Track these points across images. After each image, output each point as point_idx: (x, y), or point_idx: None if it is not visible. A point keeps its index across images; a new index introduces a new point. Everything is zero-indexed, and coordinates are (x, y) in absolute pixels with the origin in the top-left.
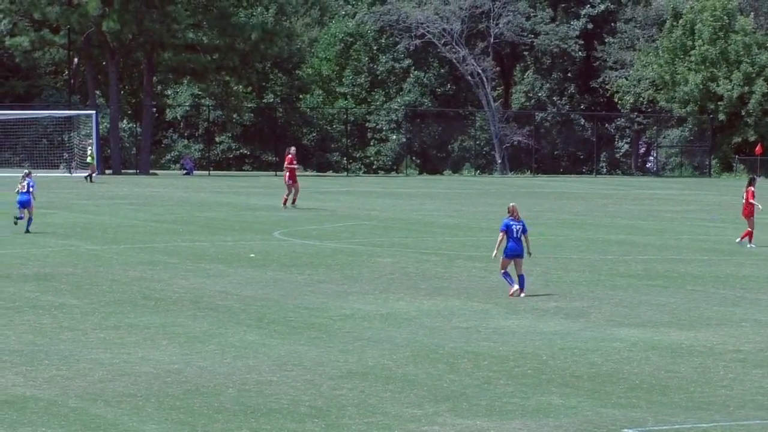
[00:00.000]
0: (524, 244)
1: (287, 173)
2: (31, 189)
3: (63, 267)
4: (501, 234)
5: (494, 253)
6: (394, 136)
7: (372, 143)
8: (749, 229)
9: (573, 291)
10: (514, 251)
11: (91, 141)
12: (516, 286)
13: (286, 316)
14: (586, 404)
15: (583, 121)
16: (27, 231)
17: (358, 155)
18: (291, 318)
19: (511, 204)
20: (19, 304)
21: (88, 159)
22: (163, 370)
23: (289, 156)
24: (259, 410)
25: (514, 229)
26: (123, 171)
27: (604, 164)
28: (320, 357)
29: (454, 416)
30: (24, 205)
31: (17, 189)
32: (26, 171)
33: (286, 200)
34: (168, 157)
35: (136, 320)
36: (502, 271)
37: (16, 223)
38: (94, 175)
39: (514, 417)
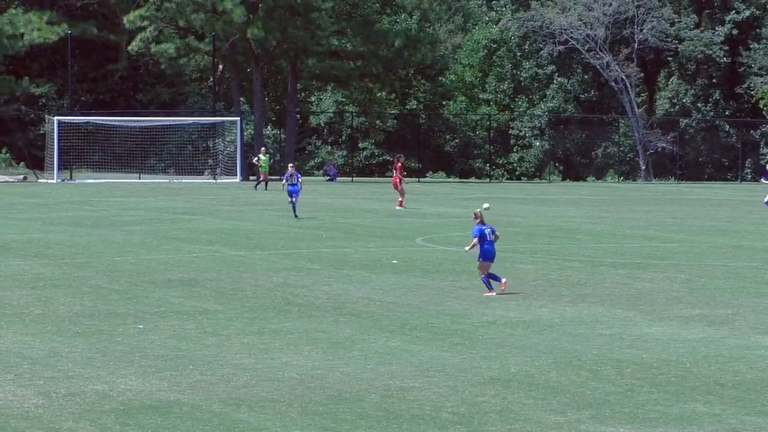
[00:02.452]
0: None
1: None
2: (298, 180)
3: (207, 273)
4: (475, 240)
5: (467, 249)
6: (538, 143)
7: (515, 150)
8: None
9: (717, 298)
10: (491, 254)
11: (263, 149)
12: (494, 293)
13: (428, 322)
14: (731, 412)
15: (728, 127)
16: (296, 216)
17: (500, 161)
18: (434, 324)
19: (477, 210)
20: (163, 309)
21: (261, 168)
22: (306, 376)
23: (399, 164)
24: (402, 416)
25: (487, 233)
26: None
27: (749, 171)
28: (463, 363)
29: (597, 423)
30: (292, 194)
31: (283, 182)
32: (291, 164)
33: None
34: (311, 163)
35: (279, 326)
36: (483, 275)
37: (290, 203)
38: (264, 182)
39: (658, 425)
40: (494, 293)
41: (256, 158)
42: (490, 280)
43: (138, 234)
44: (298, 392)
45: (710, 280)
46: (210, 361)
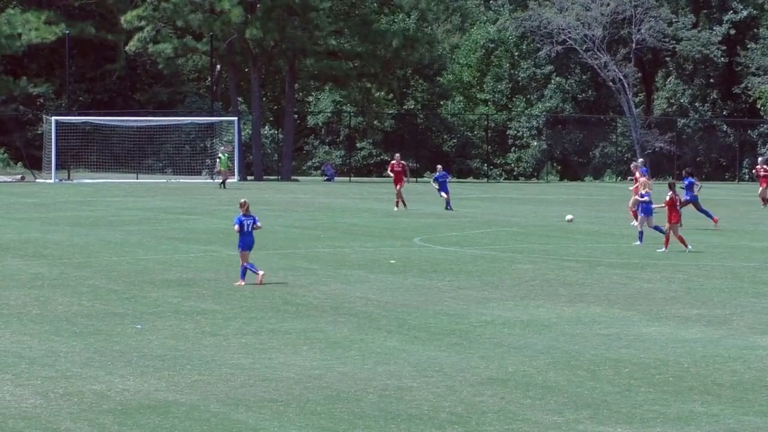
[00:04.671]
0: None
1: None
2: (445, 179)
3: (205, 272)
4: (236, 227)
5: (238, 231)
6: (535, 143)
7: (512, 150)
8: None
9: (715, 298)
10: (248, 244)
11: (222, 148)
12: (261, 272)
13: (426, 322)
14: (728, 412)
15: (726, 127)
16: (448, 209)
17: (498, 161)
18: (431, 324)
19: (242, 199)
20: (161, 309)
21: (220, 165)
22: (304, 376)
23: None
24: (400, 416)
25: (245, 224)
26: (265, 177)
27: (746, 171)
28: (460, 363)
29: (595, 423)
30: (441, 189)
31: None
32: (439, 166)
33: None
34: (309, 163)
35: (277, 326)
36: (245, 264)
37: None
38: (227, 181)
39: (655, 425)
40: (243, 283)
41: (218, 158)
42: (248, 270)
43: (136, 234)
44: (295, 392)
45: (708, 280)
46: (208, 361)
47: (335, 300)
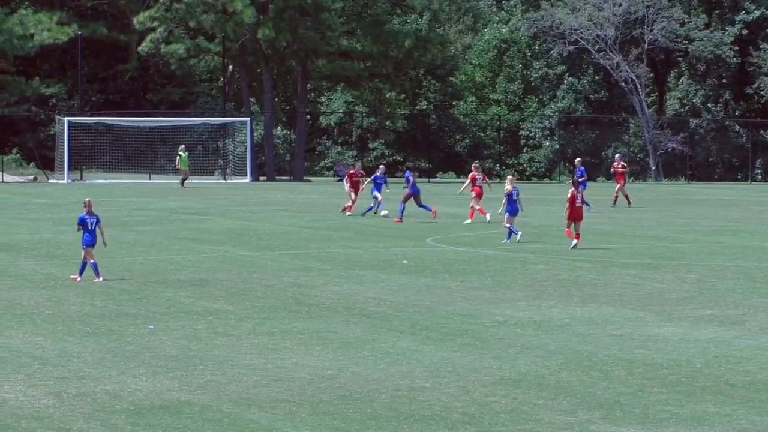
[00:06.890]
0: (99, 236)
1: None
2: (383, 182)
3: (218, 273)
4: (78, 227)
5: (79, 229)
6: (548, 143)
7: (525, 150)
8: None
9: (728, 299)
10: (89, 242)
11: (183, 146)
12: (101, 278)
13: (438, 322)
14: (741, 412)
15: (738, 127)
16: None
17: (510, 162)
18: (444, 324)
19: (87, 199)
20: (174, 309)
21: (180, 165)
22: (317, 376)
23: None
24: (412, 416)
25: (89, 222)
26: (277, 178)
27: (759, 171)
28: (473, 363)
29: (608, 424)
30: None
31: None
32: (381, 166)
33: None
34: (322, 164)
35: (289, 326)
36: (90, 261)
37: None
38: (186, 180)
39: (668, 425)
40: (80, 278)
41: (178, 155)
42: (89, 267)
43: (148, 234)
44: (308, 392)
45: (720, 280)
46: (220, 362)
47: (348, 300)
